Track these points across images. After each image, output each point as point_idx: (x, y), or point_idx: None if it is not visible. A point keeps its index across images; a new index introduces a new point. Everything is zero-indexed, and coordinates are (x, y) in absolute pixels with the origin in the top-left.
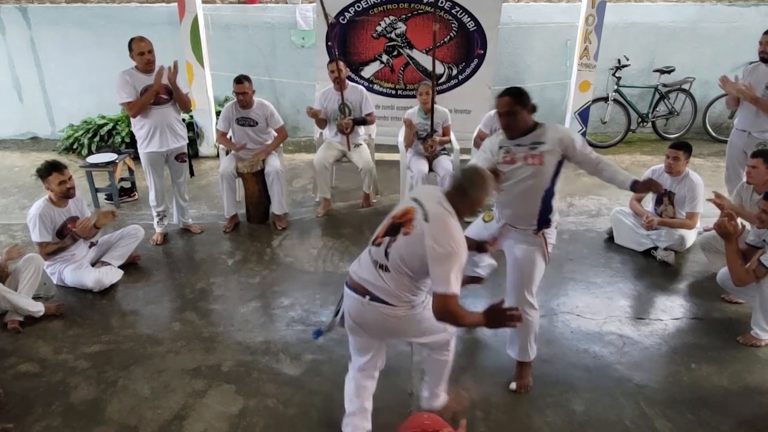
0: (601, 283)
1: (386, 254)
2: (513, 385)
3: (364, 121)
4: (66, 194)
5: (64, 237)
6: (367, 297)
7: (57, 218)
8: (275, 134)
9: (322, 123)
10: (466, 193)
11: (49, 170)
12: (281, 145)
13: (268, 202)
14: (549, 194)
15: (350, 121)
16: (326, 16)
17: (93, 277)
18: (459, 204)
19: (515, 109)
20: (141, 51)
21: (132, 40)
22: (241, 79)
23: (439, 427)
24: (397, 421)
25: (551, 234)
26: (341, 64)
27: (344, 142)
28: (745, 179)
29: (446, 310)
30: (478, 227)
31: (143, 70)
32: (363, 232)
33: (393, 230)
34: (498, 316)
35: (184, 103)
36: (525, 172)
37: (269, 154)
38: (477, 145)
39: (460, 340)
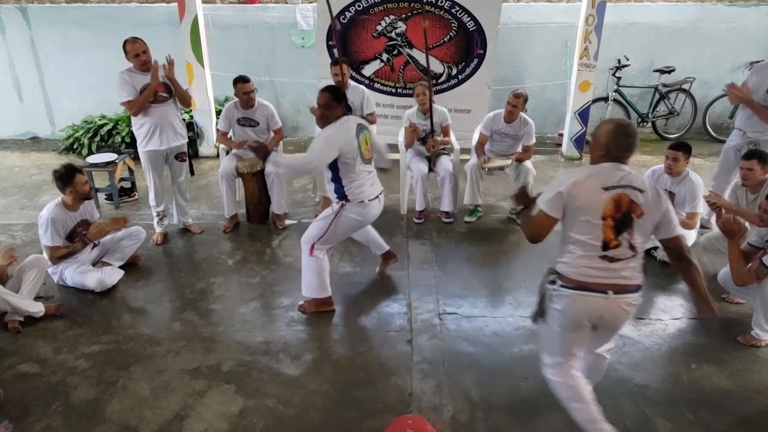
0: None
1: (632, 247)
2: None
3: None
4: (88, 195)
5: (73, 240)
6: (610, 292)
7: (68, 222)
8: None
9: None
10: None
11: (72, 173)
12: (281, 144)
13: (268, 202)
14: None
15: None
16: (332, 16)
17: (95, 278)
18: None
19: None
20: (136, 53)
21: (126, 41)
22: (246, 79)
23: (422, 430)
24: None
25: None
26: (345, 67)
27: None
28: (739, 180)
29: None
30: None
31: (141, 70)
32: None
33: (624, 224)
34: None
35: (184, 98)
36: None
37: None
38: (478, 150)
39: (461, 341)
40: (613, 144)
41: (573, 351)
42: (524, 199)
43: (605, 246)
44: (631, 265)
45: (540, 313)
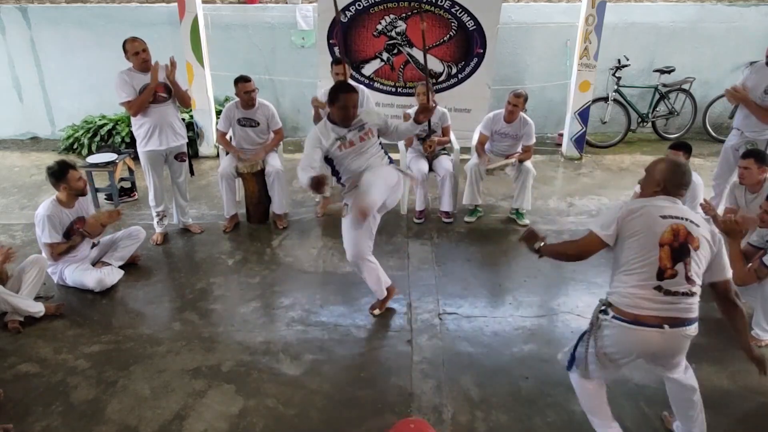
0: (601, 283)
1: (689, 279)
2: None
3: None
4: (82, 191)
5: (71, 237)
6: (666, 326)
7: (65, 219)
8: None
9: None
10: None
11: (65, 169)
12: (281, 144)
13: (268, 202)
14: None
15: None
16: (336, 8)
17: (95, 278)
18: None
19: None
20: (135, 51)
21: (125, 41)
22: (248, 78)
23: None
24: (397, 421)
25: None
26: (346, 66)
27: None
28: (737, 180)
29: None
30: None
31: (140, 69)
32: None
33: (682, 253)
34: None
35: (183, 100)
36: None
37: (267, 153)
38: (478, 150)
39: (461, 341)
40: (669, 182)
41: (598, 375)
42: (532, 239)
43: (660, 275)
44: (688, 301)
45: (578, 360)
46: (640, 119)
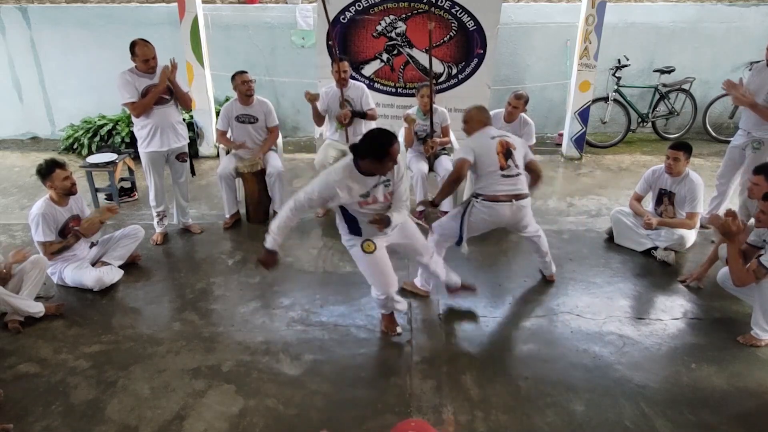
0: (601, 283)
1: (517, 165)
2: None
3: (364, 114)
4: (70, 191)
5: (66, 236)
6: (514, 200)
7: (59, 217)
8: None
9: (320, 120)
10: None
11: (51, 168)
12: (281, 145)
13: (269, 201)
14: None
15: (348, 112)
16: (329, 21)
17: (93, 276)
18: None
19: None
20: (146, 58)
21: (136, 44)
22: (242, 71)
23: None
24: (397, 421)
25: None
26: (346, 64)
27: (343, 140)
28: (746, 194)
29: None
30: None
31: (144, 71)
32: None
33: (509, 153)
34: None
35: (185, 101)
36: None
37: (265, 152)
38: None
39: (461, 341)
40: (479, 117)
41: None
42: (428, 205)
43: (501, 168)
44: (521, 179)
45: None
46: (640, 119)
